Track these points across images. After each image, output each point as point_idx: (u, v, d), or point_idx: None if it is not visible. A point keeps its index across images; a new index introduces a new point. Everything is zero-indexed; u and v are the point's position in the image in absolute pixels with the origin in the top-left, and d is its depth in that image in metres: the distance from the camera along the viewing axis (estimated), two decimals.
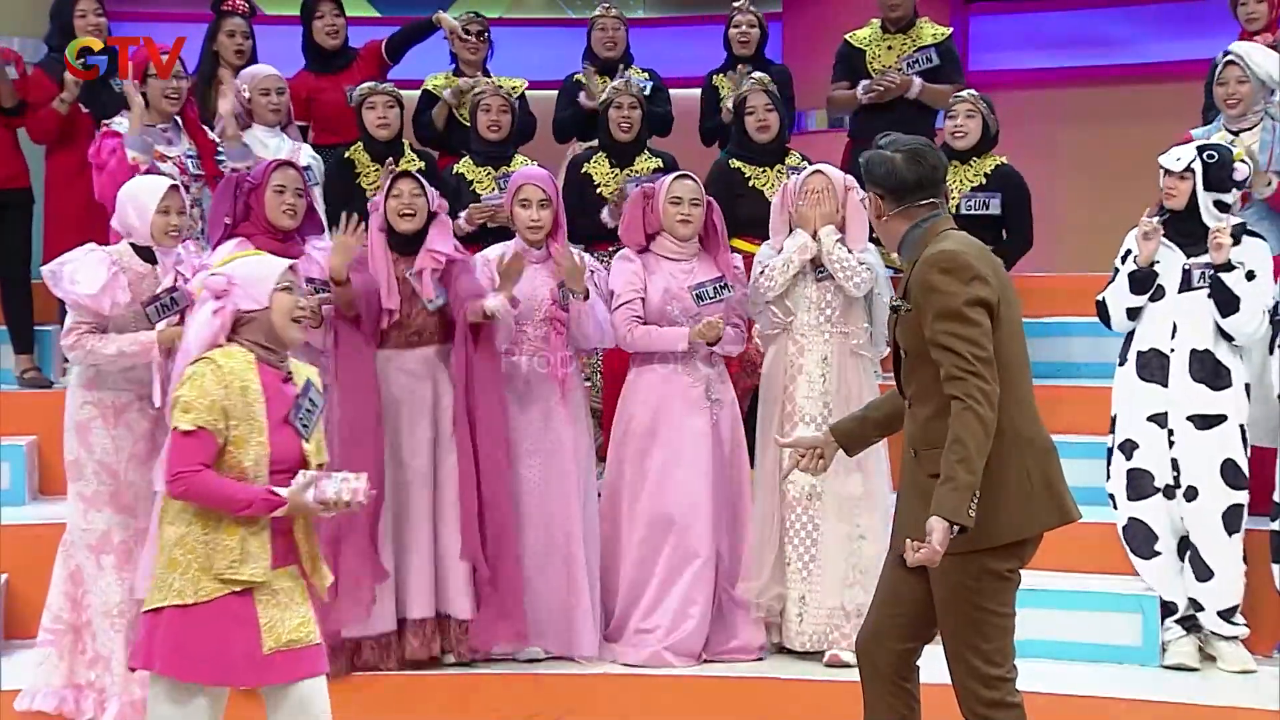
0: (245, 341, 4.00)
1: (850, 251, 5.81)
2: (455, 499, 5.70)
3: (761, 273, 5.88)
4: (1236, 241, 5.71)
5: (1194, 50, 7.80)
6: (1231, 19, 7.06)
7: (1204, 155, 5.73)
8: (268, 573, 3.91)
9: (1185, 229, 5.76)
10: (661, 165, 6.82)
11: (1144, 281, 5.76)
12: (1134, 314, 5.83)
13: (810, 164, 6.31)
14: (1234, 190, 5.78)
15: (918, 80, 7.25)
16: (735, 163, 6.76)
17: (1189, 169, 5.72)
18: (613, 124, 6.81)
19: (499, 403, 5.77)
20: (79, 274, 5.25)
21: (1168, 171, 5.77)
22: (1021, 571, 3.94)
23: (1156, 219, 5.82)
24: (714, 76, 7.61)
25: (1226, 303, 5.66)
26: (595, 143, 7.05)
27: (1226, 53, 6.40)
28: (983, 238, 6.46)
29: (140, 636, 4.03)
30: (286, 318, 4.01)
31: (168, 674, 3.92)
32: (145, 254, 5.36)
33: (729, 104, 7.24)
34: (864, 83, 7.29)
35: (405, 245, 5.74)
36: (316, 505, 3.93)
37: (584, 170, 6.88)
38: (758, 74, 6.87)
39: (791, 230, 5.93)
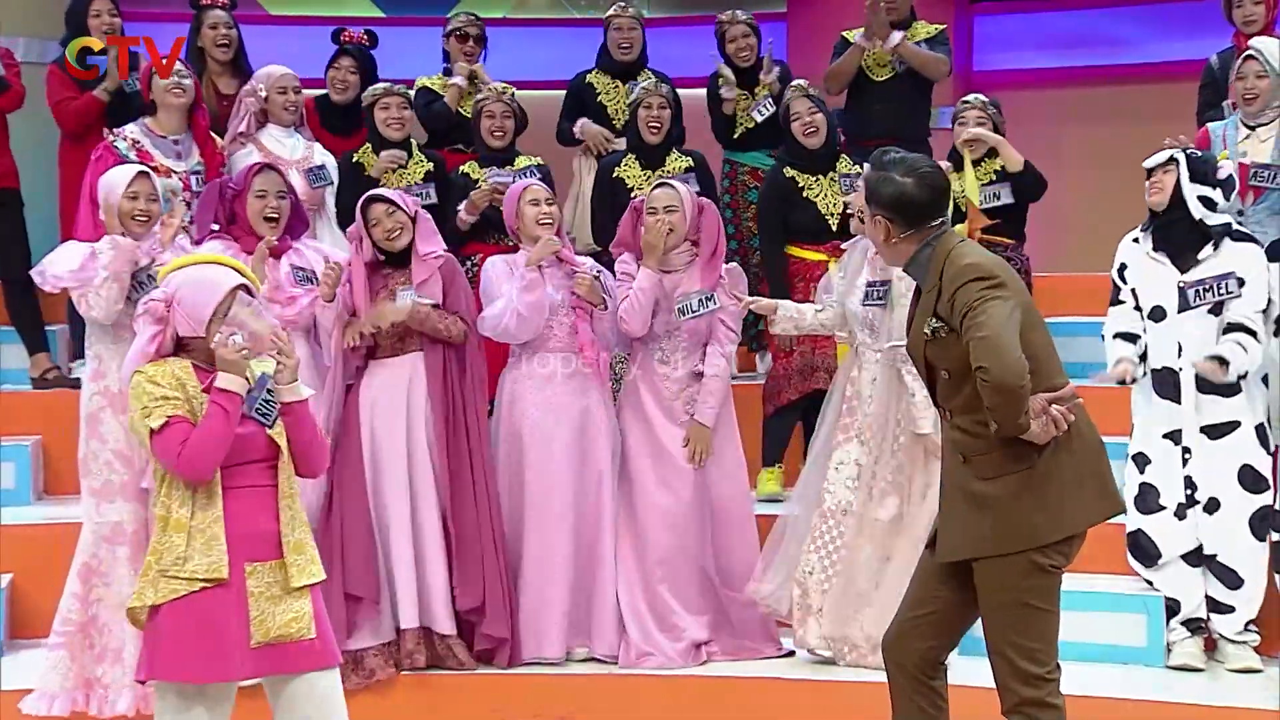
0: (187, 360, 4.00)
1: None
2: (433, 511, 5.65)
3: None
4: (1216, 246, 5.64)
5: (1198, 50, 7.78)
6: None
7: (1185, 151, 5.69)
8: (221, 569, 3.89)
9: (1174, 238, 5.67)
10: (692, 164, 6.78)
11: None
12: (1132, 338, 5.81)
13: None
14: (1219, 188, 5.67)
15: (897, 34, 7.30)
16: (789, 171, 6.68)
17: (1172, 160, 5.65)
18: (642, 125, 6.73)
19: (476, 414, 5.74)
20: (58, 262, 5.41)
21: (1149, 171, 5.71)
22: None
23: (1141, 231, 5.78)
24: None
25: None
26: (623, 145, 6.99)
27: (1245, 48, 6.39)
28: (1002, 231, 6.58)
29: (140, 651, 4.07)
30: (224, 354, 3.93)
31: (160, 678, 3.95)
32: None
33: (724, 92, 7.26)
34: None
35: (397, 257, 5.71)
36: (233, 352, 3.89)
37: (615, 174, 6.79)
38: (798, 81, 6.80)
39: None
